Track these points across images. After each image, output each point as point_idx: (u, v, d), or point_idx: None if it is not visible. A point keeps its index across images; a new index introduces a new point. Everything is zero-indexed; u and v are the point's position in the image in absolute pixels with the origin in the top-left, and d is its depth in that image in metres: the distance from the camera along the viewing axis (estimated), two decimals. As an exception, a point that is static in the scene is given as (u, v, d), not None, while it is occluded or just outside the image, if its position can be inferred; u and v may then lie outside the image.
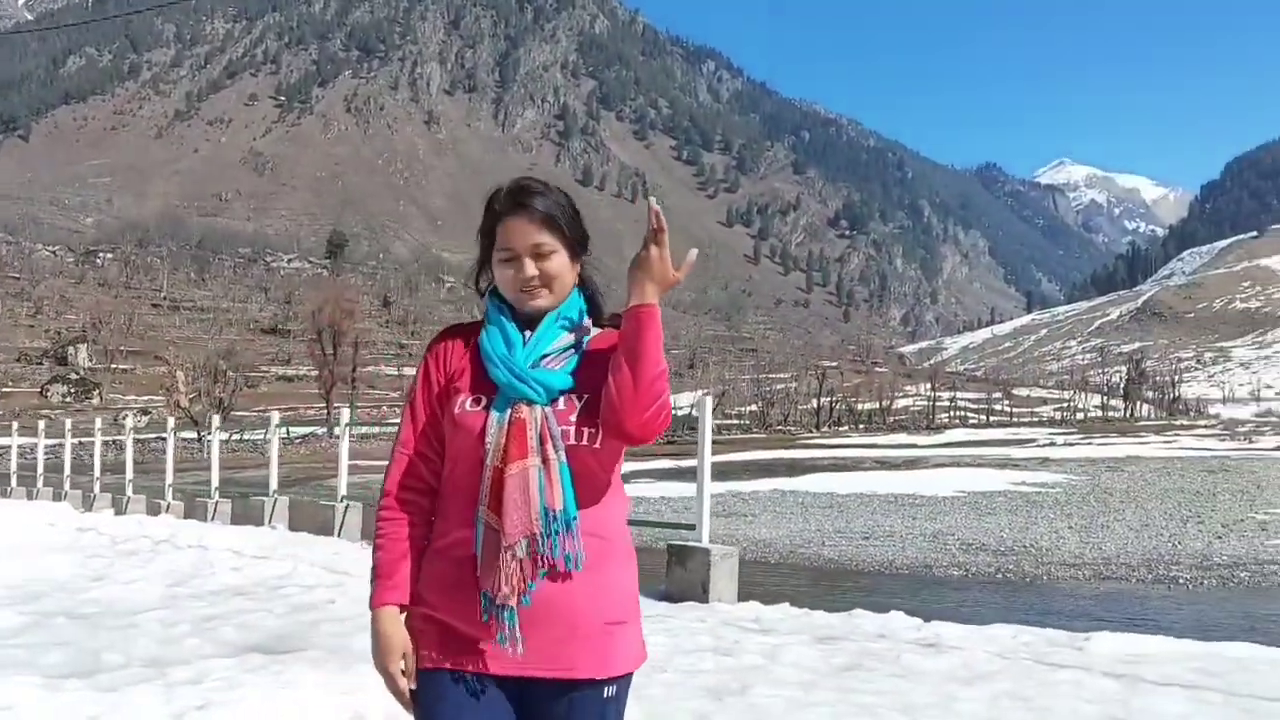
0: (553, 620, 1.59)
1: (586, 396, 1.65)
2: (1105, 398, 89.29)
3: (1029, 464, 32.91)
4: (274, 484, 10.93)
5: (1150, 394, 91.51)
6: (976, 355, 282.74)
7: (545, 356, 1.69)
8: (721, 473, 30.66)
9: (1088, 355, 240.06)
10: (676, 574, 6.27)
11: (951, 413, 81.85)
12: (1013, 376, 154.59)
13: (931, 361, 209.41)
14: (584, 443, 1.63)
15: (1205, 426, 62.36)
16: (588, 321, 1.77)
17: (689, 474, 31.55)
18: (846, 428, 69.64)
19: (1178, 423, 68.66)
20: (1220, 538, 16.11)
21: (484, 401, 1.66)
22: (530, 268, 1.68)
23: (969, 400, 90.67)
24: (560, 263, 1.71)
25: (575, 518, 1.60)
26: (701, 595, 6.02)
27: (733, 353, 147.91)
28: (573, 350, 1.71)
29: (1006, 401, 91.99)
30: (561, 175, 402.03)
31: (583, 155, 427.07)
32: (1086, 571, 13.53)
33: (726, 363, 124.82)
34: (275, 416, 11.97)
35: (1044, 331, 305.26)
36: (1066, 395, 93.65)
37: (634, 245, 1.65)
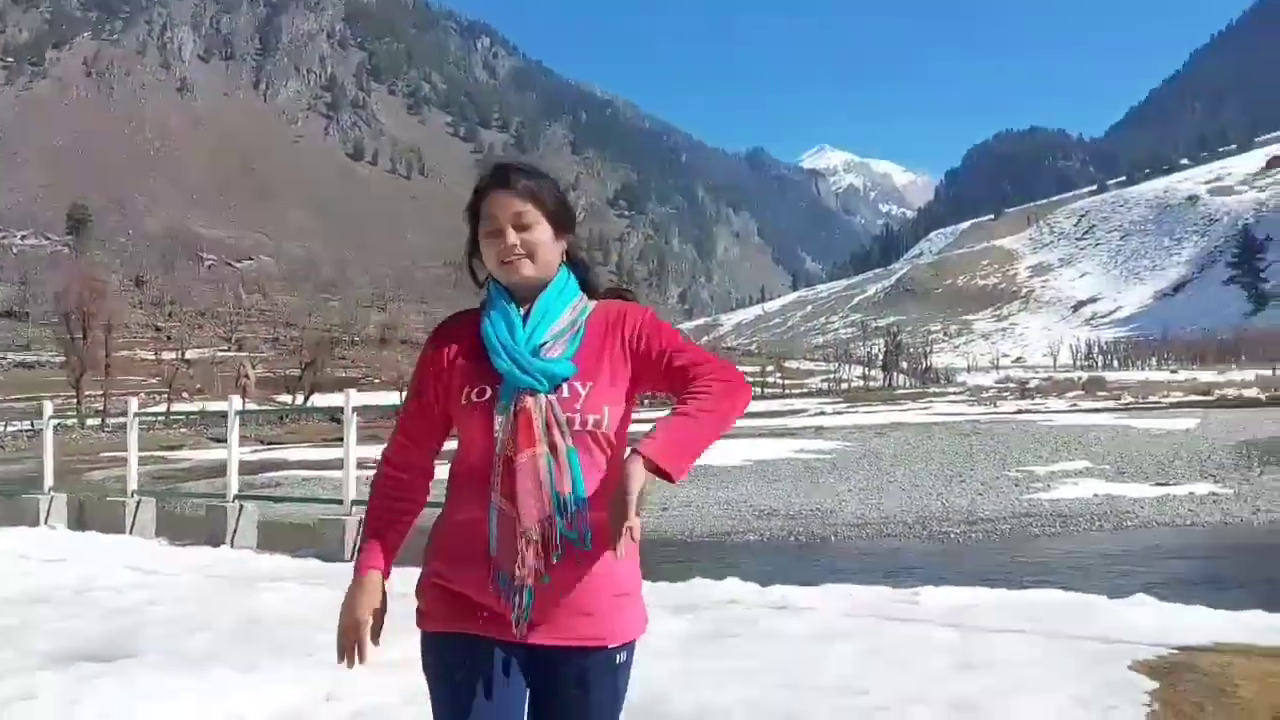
0: (568, 596, 1.64)
1: (591, 383, 1.68)
2: (867, 369, 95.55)
3: (805, 433, 34.83)
4: (50, 479, 9.85)
5: (906, 364, 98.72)
6: (750, 331, 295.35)
7: (545, 344, 1.70)
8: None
9: (849, 330, 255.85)
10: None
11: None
12: (783, 350, 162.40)
13: (709, 338, 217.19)
14: (589, 428, 1.66)
15: (955, 393, 67.94)
16: (581, 299, 1.78)
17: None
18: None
19: (931, 390, 74.46)
20: (981, 495, 17.66)
21: (488, 392, 1.68)
22: (512, 235, 1.71)
23: (745, 373, 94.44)
24: (542, 233, 1.73)
25: (585, 499, 1.64)
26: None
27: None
28: (571, 332, 1.73)
29: (779, 374, 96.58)
30: (330, 149, 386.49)
31: (353, 129, 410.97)
32: (870, 530, 14.49)
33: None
34: (49, 406, 10.82)
35: (809, 308, 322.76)
36: (832, 367, 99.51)
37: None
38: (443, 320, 1.84)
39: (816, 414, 50.79)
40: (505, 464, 1.63)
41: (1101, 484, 18.55)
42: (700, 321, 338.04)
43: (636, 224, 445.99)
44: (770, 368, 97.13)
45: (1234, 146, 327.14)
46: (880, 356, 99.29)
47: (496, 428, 1.64)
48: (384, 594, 1.72)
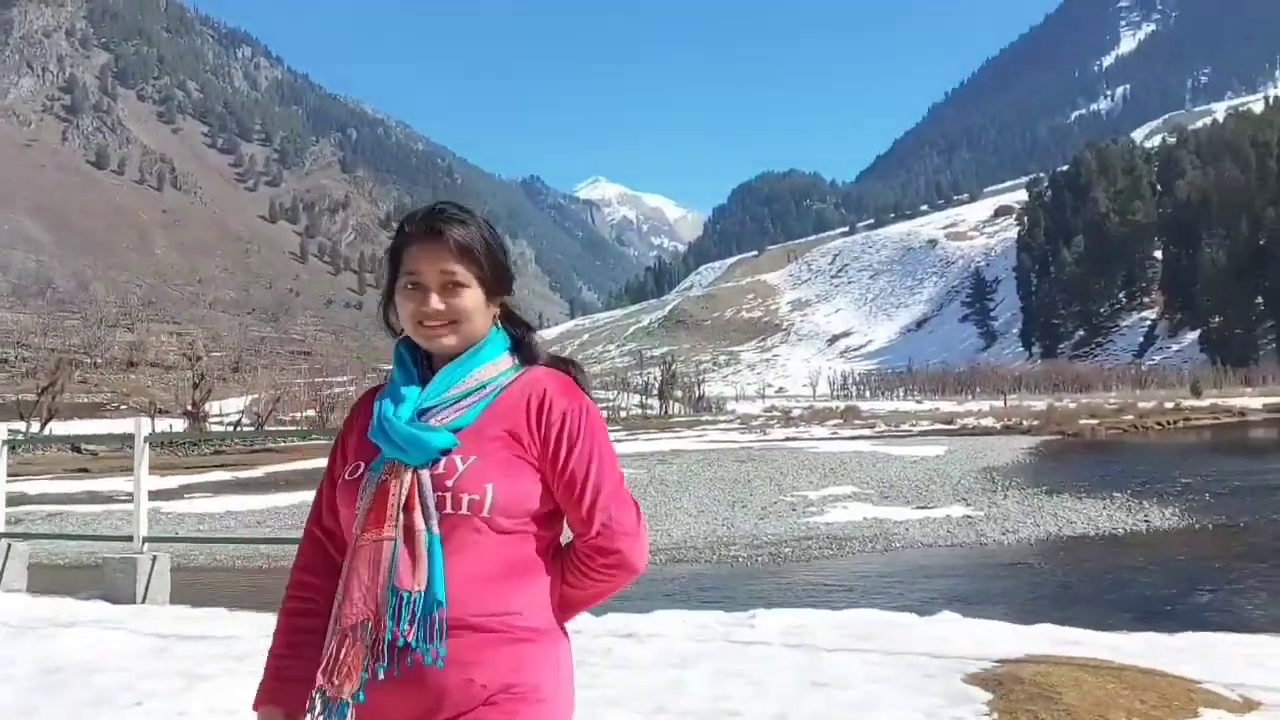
0: (401, 712, 1.32)
1: (474, 458, 1.38)
2: (644, 397, 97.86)
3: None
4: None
5: (680, 393, 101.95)
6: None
7: (432, 408, 1.42)
8: (288, 483, 29.12)
9: (625, 358, 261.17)
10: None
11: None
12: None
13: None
14: (464, 511, 1.36)
15: (726, 421, 70.63)
16: (506, 358, 1.51)
17: (252, 485, 29.45)
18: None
19: (704, 418, 77.13)
20: (763, 519, 18.45)
21: (361, 468, 1.43)
22: (436, 300, 1.45)
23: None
24: (472, 300, 1.46)
25: (443, 602, 1.32)
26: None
27: (283, 355, 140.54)
28: (478, 395, 1.45)
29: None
30: (70, 154, 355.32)
31: (96, 134, 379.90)
32: (662, 556, 14.84)
33: (277, 365, 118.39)
34: (144, 426, 9.00)
35: (586, 336, 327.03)
36: (610, 395, 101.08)
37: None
38: (366, 391, 1.58)
39: (596, 442, 51.31)
40: (352, 546, 1.38)
41: (869, 508, 19.79)
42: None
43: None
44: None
45: (965, 196, 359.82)
46: (656, 385, 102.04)
47: (358, 505, 1.39)
48: None
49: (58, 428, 58.42)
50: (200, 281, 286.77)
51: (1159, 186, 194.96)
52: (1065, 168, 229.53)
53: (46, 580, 8.27)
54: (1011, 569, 13.65)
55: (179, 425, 65.66)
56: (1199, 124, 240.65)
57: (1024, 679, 3.64)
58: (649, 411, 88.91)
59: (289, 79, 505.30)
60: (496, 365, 1.49)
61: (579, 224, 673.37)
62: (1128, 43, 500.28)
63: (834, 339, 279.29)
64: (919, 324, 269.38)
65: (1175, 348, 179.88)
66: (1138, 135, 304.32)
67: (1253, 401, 68.65)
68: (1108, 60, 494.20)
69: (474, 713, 1.31)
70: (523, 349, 1.54)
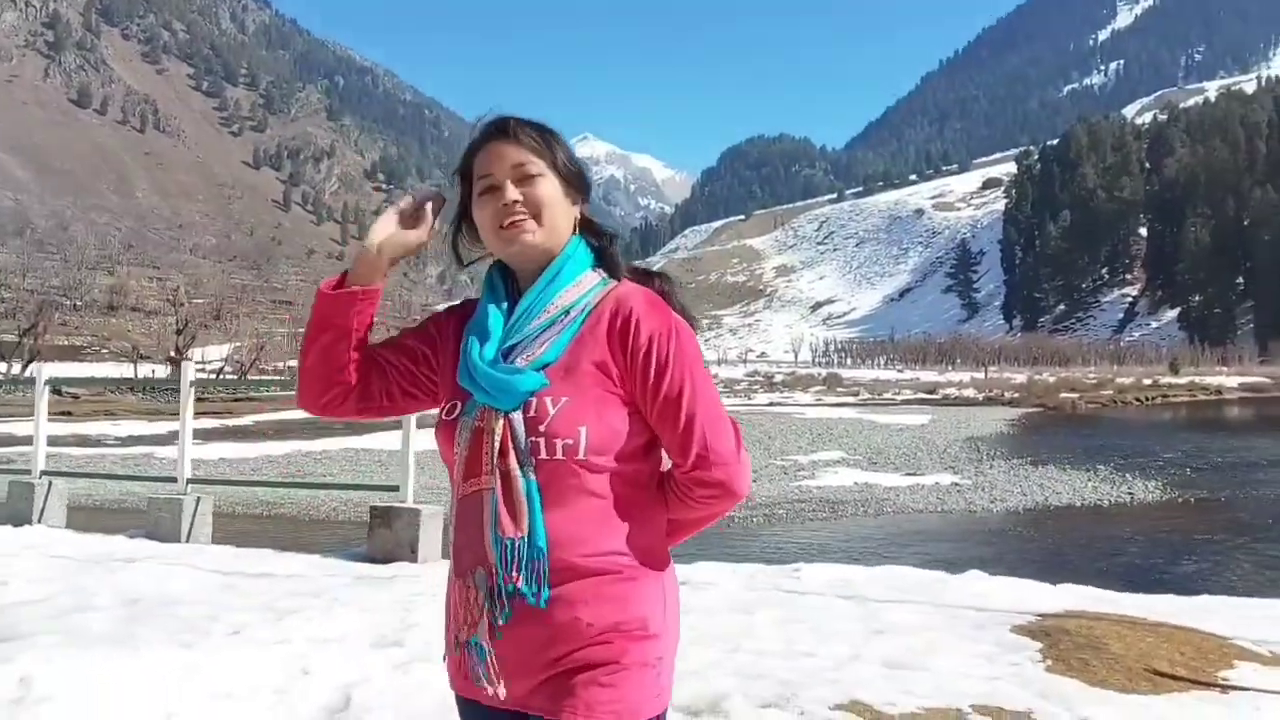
0: (533, 656, 1.34)
1: (565, 399, 1.34)
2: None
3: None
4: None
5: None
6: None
7: (518, 344, 1.38)
8: (277, 432, 29.26)
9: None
10: (381, 535, 6.18)
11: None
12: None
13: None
14: (559, 456, 1.33)
15: (710, 384, 70.99)
16: (591, 275, 1.43)
17: (240, 433, 29.55)
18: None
19: (687, 381, 77.48)
20: (755, 481, 18.72)
21: (458, 408, 1.40)
22: (512, 190, 1.38)
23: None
24: (549, 190, 1.39)
25: (544, 549, 1.32)
26: (410, 555, 6.01)
27: (265, 304, 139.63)
28: (565, 319, 1.39)
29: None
30: (50, 91, 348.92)
31: (78, 72, 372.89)
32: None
33: (258, 314, 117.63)
34: (190, 371, 8.78)
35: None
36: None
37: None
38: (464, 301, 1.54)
39: (583, 400, 51.68)
40: (456, 496, 1.39)
41: (859, 473, 20.13)
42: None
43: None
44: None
45: (955, 166, 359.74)
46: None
47: (456, 451, 1.37)
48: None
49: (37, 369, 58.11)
50: (181, 226, 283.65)
51: (1148, 164, 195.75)
52: (1055, 141, 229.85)
53: (81, 519, 8.42)
54: (1002, 536, 14.01)
55: (162, 371, 65.42)
56: (1191, 102, 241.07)
57: (1069, 631, 3.90)
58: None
59: (277, 22, 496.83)
60: (580, 285, 1.41)
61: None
62: (1124, 18, 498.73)
63: (817, 306, 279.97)
64: (902, 293, 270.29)
65: (1154, 325, 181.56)
66: (1129, 111, 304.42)
67: (1229, 380, 69.67)
68: (1103, 35, 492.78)
69: (584, 651, 1.32)
70: (606, 262, 1.46)
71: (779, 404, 50.36)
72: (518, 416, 1.33)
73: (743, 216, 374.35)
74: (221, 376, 68.55)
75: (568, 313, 1.38)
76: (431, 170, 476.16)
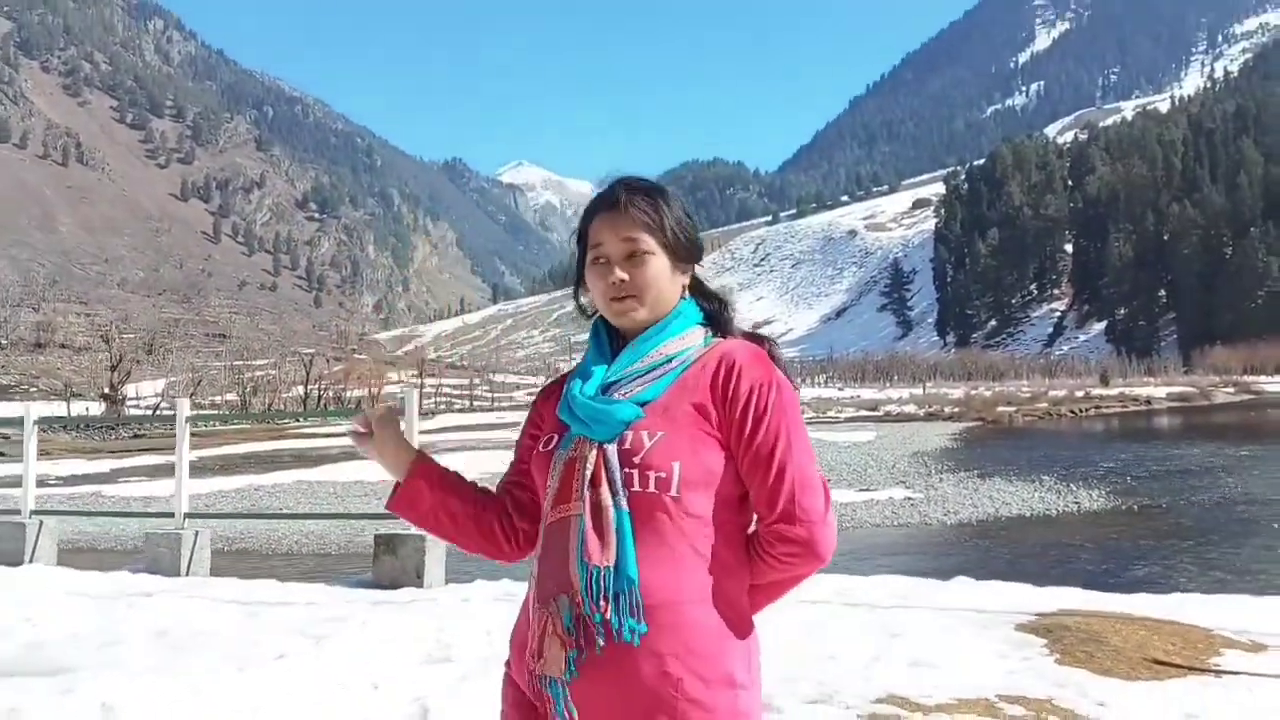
0: (615, 703, 1.30)
1: (661, 434, 1.35)
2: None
3: (529, 445, 35.35)
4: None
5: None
6: (450, 342, 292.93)
7: (617, 383, 1.41)
8: (223, 467, 28.77)
9: (549, 344, 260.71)
10: (386, 562, 6.30)
11: (436, 399, 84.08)
12: (489, 363, 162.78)
13: (408, 348, 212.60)
14: (651, 488, 1.33)
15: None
16: (697, 331, 1.47)
17: (189, 469, 28.94)
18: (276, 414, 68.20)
19: (632, 405, 77.75)
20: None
21: (554, 440, 1.42)
22: (619, 271, 1.41)
23: (452, 386, 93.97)
24: (657, 268, 1.42)
25: (634, 580, 1.30)
26: (416, 580, 6.14)
27: (198, 337, 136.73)
28: (666, 367, 1.41)
29: (486, 388, 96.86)
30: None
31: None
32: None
33: (192, 348, 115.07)
34: (184, 406, 8.40)
35: (510, 321, 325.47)
36: (537, 381, 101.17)
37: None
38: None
39: (531, 427, 51.64)
40: (544, 522, 1.40)
41: (816, 490, 20.52)
42: (399, 332, 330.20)
43: (328, 228, 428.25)
44: (477, 380, 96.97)
45: (885, 187, 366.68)
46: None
47: (550, 480, 1.39)
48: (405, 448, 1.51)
49: (-31, 410, 56.32)
50: (108, 261, 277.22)
51: (1070, 182, 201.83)
52: (981, 161, 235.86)
53: (69, 559, 8.35)
54: (960, 547, 14.42)
55: (95, 409, 63.78)
56: (1109, 121, 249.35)
57: (1069, 627, 4.20)
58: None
59: (203, 54, 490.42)
60: (684, 339, 1.44)
61: (502, 208, 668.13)
62: (1042, 40, 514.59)
63: (756, 326, 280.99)
64: (838, 313, 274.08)
65: (1082, 338, 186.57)
66: (1051, 131, 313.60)
67: (1157, 390, 71.90)
68: (1023, 57, 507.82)
69: (671, 703, 1.29)
70: (716, 323, 1.49)
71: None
72: (612, 448, 1.34)
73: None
74: (159, 412, 67.05)
75: (670, 360, 1.41)
76: (365, 199, 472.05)
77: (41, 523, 7.53)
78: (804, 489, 1.34)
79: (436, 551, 6.31)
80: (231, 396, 76.52)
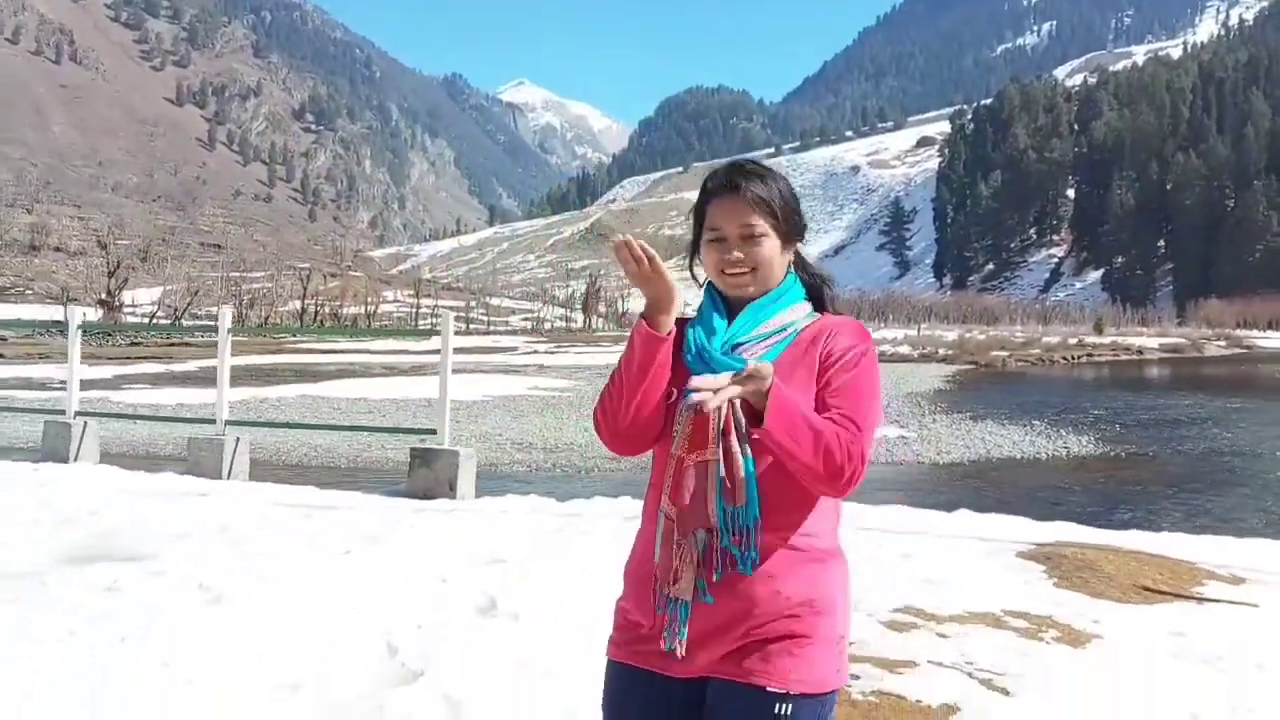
0: (730, 623, 1.50)
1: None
2: (567, 310, 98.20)
3: (530, 370, 35.80)
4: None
5: (603, 308, 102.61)
6: (445, 264, 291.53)
7: (742, 344, 1.57)
8: (234, 379, 29.09)
9: (545, 269, 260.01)
10: (421, 474, 6.65)
11: (433, 320, 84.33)
12: (485, 286, 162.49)
13: (403, 267, 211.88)
14: (761, 433, 1.47)
15: (652, 336, 71.51)
16: (804, 305, 1.64)
17: (190, 379, 29.36)
18: (313, 330, 68.53)
19: (627, 333, 78.12)
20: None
21: (673, 394, 1.54)
22: (736, 250, 1.58)
23: (448, 308, 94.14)
24: (770, 248, 1.59)
25: (758, 517, 1.49)
26: (450, 492, 6.49)
27: (193, 246, 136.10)
28: (780, 335, 1.58)
29: (483, 310, 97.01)
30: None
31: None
32: (626, 464, 15.71)
33: (187, 257, 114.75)
34: (77, 313, 8.74)
35: (506, 245, 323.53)
36: (533, 306, 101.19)
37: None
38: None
39: (530, 352, 51.91)
40: (677, 465, 1.52)
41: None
42: (393, 250, 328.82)
43: (324, 140, 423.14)
44: (473, 303, 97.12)
45: (890, 124, 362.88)
46: (580, 299, 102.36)
47: (676, 426, 1.53)
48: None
49: (-33, 310, 56.28)
50: (101, 164, 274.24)
51: (1076, 126, 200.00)
52: (989, 101, 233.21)
53: (118, 460, 8.66)
54: (952, 485, 14.87)
55: (92, 314, 63.91)
56: (1119, 65, 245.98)
57: (1066, 555, 4.56)
58: (572, 325, 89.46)
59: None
60: (795, 311, 1.61)
61: (501, 127, 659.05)
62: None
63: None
64: (837, 250, 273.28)
65: (1079, 285, 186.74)
66: (1060, 73, 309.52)
67: (1149, 341, 72.43)
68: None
69: (779, 623, 1.48)
70: (818, 297, 1.67)
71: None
72: (739, 401, 1.46)
73: (681, 169, 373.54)
74: (155, 320, 67.18)
75: (785, 329, 1.58)
76: (363, 111, 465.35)
77: (86, 423, 7.85)
78: (857, 428, 1.47)
79: (468, 465, 6.66)
80: (228, 308, 76.74)
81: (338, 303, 78.89)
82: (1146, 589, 4.11)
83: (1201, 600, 4.05)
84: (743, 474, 1.47)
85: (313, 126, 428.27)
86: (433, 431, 7.05)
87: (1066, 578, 4.21)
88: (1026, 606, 3.78)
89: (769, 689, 1.47)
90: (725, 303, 1.62)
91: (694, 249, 1.65)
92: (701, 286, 1.66)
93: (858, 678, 2.97)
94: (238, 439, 7.30)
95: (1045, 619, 3.63)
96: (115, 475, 6.81)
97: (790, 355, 1.55)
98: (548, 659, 2.98)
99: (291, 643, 3.02)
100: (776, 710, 1.47)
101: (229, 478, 7.01)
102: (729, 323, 1.59)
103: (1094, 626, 3.58)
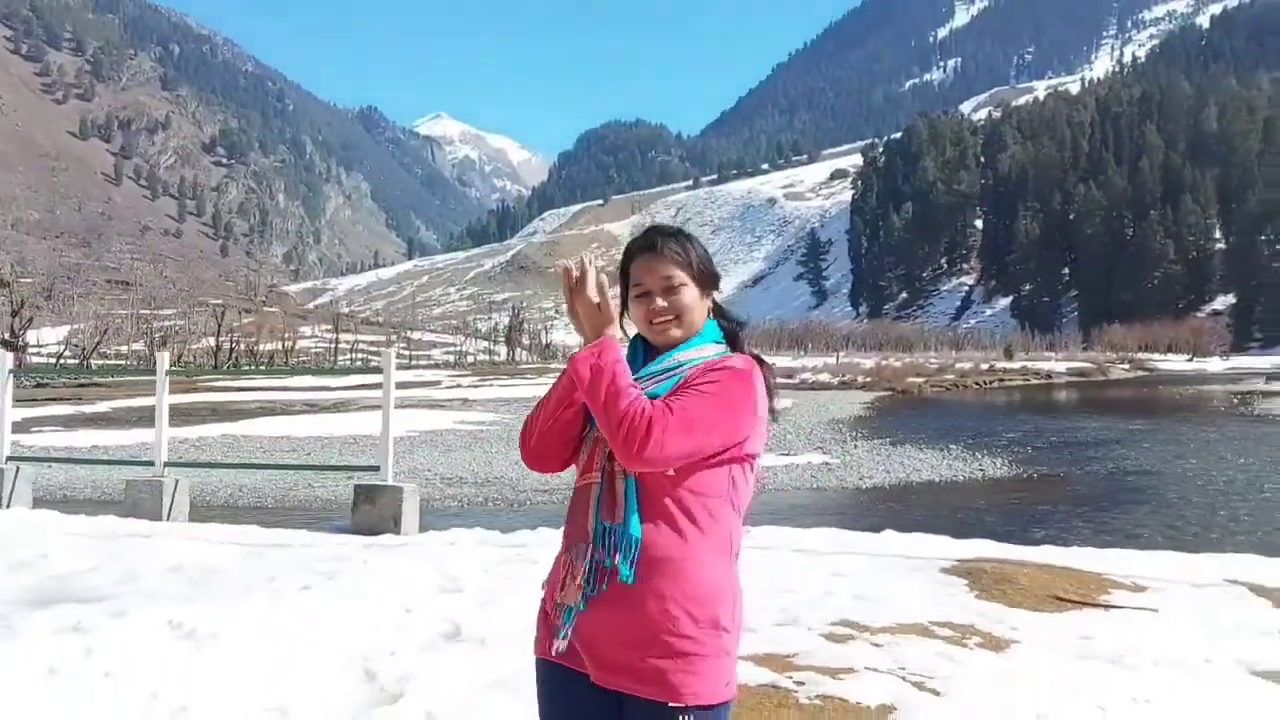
0: (616, 636, 1.64)
1: None
2: (490, 343, 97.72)
3: (454, 405, 35.68)
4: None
5: (526, 340, 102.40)
6: (363, 297, 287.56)
7: (640, 379, 1.71)
8: (140, 419, 28.40)
9: (466, 302, 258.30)
10: (365, 510, 6.76)
11: (352, 355, 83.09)
12: (404, 320, 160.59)
13: (320, 302, 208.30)
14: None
15: (575, 369, 71.37)
16: (713, 346, 1.79)
17: (105, 420, 28.60)
18: (249, 368, 67.15)
19: (552, 366, 78.03)
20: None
21: (587, 426, 1.74)
22: (660, 301, 1.76)
23: (368, 343, 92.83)
24: (689, 296, 1.77)
25: (637, 535, 1.62)
26: (394, 528, 6.62)
27: (100, 284, 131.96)
28: (674, 372, 1.73)
29: (404, 345, 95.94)
30: None
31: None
32: (559, 495, 15.83)
33: (94, 295, 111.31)
34: (164, 360, 8.15)
35: (425, 278, 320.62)
36: (455, 340, 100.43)
37: None
38: None
39: (454, 386, 51.62)
40: (575, 490, 1.74)
41: (738, 453, 21.27)
42: (309, 284, 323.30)
43: (236, 174, 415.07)
44: (394, 337, 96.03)
45: (805, 157, 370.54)
46: (503, 332, 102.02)
47: (580, 454, 1.74)
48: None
49: None
50: (0, 200, 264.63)
51: (983, 159, 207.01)
52: (899, 135, 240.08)
53: (48, 505, 8.54)
54: (875, 508, 15.36)
55: (-6, 355, 61.54)
56: (1021, 100, 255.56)
57: (985, 570, 4.93)
58: (496, 358, 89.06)
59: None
60: (700, 351, 1.77)
61: (418, 160, 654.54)
62: (961, 16, 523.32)
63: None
64: (756, 280, 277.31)
65: (989, 312, 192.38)
66: (966, 107, 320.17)
67: (1058, 365, 75.04)
68: (943, 32, 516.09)
69: (669, 640, 1.61)
70: (734, 339, 1.84)
71: (646, 388, 51.20)
72: None
73: (600, 201, 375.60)
74: (61, 361, 65.01)
75: (680, 366, 1.73)
76: (276, 145, 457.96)
77: (18, 468, 7.75)
78: (680, 421, 1.60)
79: (412, 501, 6.80)
80: (139, 346, 74.58)
81: (254, 339, 77.25)
82: (1058, 598, 4.49)
83: (1108, 607, 4.44)
84: (623, 496, 1.62)
85: (224, 160, 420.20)
86: (376, 468, 7.17)
87: (986, 590, 4.56)
88: (951, 617, 4.11)
89: (670, 704, 1.60)
90: (646, 354, 1.79)
91: (622, 305, 1.80)
92: (624, 341, 1.78)
93: (803, 684, 3.25)
94: (177, 480, 7.31)
95: (968, 627, 3.97)
96: (56, 519, 6.78)
97: (682, 386, 1.68)
98: (519, 679, 3.19)
99: (273, 671, 3.16)
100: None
101: (169, 519, 7.01)
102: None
103: (1012, 633, 3.93)
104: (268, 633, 3.57)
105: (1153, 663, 3.68)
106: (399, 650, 3.43)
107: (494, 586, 4.45)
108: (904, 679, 3.41)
